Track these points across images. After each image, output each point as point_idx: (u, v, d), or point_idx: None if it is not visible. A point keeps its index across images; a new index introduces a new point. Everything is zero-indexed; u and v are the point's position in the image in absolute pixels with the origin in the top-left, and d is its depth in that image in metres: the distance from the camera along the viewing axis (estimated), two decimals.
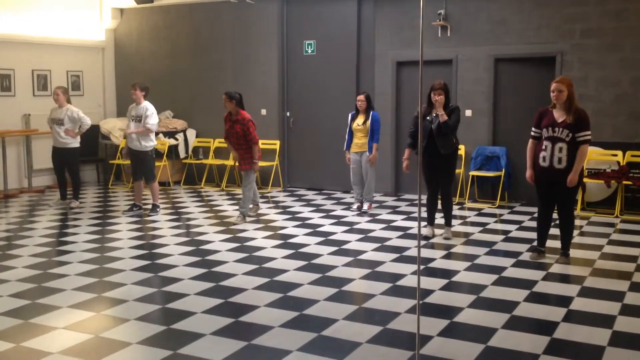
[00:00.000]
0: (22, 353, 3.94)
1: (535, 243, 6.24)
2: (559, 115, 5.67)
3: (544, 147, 5.72)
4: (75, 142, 8.63)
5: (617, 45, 8.18)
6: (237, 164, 7.72)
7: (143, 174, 8.16)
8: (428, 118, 6.61)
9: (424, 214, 6.91)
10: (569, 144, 5.59)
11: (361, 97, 8.22)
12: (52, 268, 5.77)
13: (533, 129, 5.86)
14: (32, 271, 5.67)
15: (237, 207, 8.26)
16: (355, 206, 8.47)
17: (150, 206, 8.31)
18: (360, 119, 8.22)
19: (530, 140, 5.88)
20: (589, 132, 5.63)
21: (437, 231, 6.99)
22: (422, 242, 6.24)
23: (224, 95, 7.52)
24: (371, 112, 8.18)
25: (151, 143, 8.12)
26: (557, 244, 6.05)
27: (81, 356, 3.88)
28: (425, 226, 6.94)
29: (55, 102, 8.60)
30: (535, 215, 8.05)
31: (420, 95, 2.36)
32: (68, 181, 8.85)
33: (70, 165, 8.73)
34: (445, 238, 6.79)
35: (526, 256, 6.08)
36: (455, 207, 8.57)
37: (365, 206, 8.38)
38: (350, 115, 8.41)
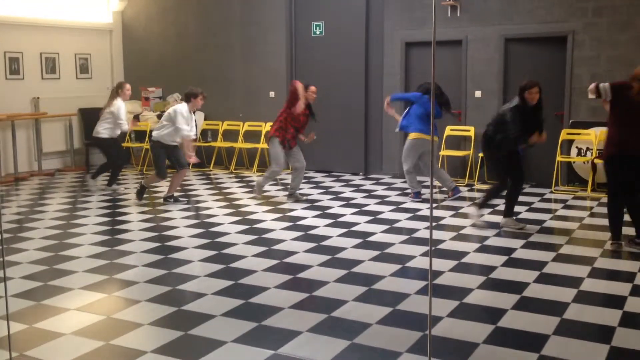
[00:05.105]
0: (34, 334, 3.98)
1: (611, 236, 5.76)
2: None
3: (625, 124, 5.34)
4: (104, 133, 8.37)
5: (631, 24, 8.07)
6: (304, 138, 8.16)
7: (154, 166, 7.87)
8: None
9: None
10: None
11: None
12: (63, 250, 5.82)
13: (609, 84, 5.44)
14: (43, 253, 5.72)
15: (289, 190, 8.08)
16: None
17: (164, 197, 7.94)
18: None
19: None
20: None
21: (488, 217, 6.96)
22: (433, 224, 6.23)
23: (314, 87, 7.93)
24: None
25: (157, 132, 7.74)
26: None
27: (93, 337, 3.92)
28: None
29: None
30: (546, 196, 8.05)
31: (433, 76, 2.33)
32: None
33: (105, 154, 8.66)
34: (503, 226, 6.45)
35: (536, 237, 6.03)
36: (464, 188, 8.56)
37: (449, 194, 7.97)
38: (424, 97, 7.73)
